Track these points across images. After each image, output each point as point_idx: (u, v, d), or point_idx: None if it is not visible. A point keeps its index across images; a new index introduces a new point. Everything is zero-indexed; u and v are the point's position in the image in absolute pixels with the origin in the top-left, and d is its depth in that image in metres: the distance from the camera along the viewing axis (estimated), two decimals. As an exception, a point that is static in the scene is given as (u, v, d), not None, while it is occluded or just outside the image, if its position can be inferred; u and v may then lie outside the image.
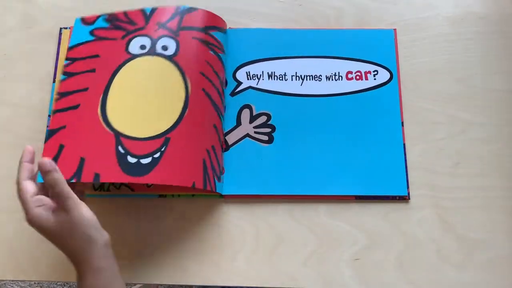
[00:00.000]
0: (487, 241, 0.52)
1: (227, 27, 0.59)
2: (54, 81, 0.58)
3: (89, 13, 0.62)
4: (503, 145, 0.55)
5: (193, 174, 0.49)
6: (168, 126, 0.50)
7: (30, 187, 0.45)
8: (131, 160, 0.48)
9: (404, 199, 0.54)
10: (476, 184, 0.54)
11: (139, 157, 0.48)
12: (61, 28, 0.61)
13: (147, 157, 0.48)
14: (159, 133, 0.49)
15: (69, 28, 0.60)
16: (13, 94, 0.59)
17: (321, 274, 0.51)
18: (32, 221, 0.43)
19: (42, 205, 0.44)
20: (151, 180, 0.48)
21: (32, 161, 0.47)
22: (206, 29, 0.55)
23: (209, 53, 0.54)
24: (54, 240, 0.45)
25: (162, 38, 0.53)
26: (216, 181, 0.52)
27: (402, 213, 0.53)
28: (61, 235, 0.44)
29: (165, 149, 0.49)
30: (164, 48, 0.53)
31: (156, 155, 0.48)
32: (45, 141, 0.50)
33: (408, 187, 0.54)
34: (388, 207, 0.54)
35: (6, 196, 0.55)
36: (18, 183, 0.46)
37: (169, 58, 0.52)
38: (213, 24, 0.55)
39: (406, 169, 0.54)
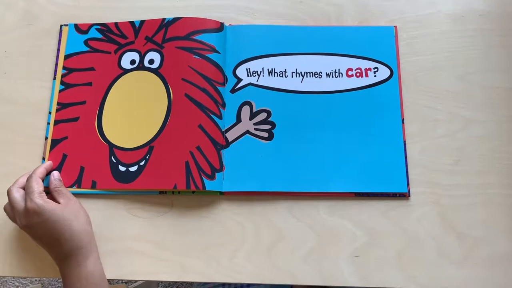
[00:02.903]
0: (487, 238, 0.52)
1: (228, 24, 0.59)
2: (54, 78, 0.59)
3: (89, 10, 0.62)
4: (504, 143, 0.55)
5: (174, 176, 0.53)
6: (152, 136, 0.55)
7: (38, 184, 0.50)
8: (122, 168, 0.54)
9: (404, 196, 0.54)
10: (476, 182, 0.54)
11: (127, 165, 0.54)
12: (61, 25, 0.61)
13: (134, 165, 0.54)
14: (144, 142, 0.55)
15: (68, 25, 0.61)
16: (13, 91, 0.59)
17: (321, 271, 0.51)
18: (37, 206, 0.47)
19: (45, 197, 0.49)
20: (137, 186, 0.53)
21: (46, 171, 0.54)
22: (189, 35, 0.57)
23: (192, 58, 0.56)
24: (57, 224, 0.48)
25: (149, 52, 0.58)
26: (206, 179, 0.52)
27: (402, 210, 0.53)
28: (68, 217, 0.49)
29: (149, 156, 0.54)
30: (151, 62, 0.57)
31: (142, 163, 0.54)
32: (50, 150, 0.56)
33: (408, 184, 0.54)
34: (388, 204, 0.54)
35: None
36: (30, 177, 0.51)
37: (155, 71, 0.57)
38: (198, 28, 0.57)
39: (406, 166, 0.54)
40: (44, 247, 0.50)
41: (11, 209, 0.50)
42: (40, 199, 0.48)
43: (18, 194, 0.49)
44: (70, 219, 0.49)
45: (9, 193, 0.50)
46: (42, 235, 0.49)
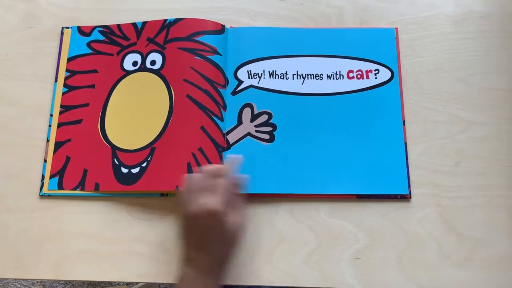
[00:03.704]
0: (488, 240, 0.52)
1: (229, 27, 0.59)
2: (56, 81, 0.59)
3: (89, 12, 0.62)
4: (504, 144, 0.55)
5: (176, 178, 0.52)
6: (154, 137, 0.55)
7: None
8: (124, 170, 0.54)
9: (405, 198, 0.54)
10: (477, 183, 0.54)
11: (130, 167, 0.54)
12: (62, 28, 0.61)
13: (136, 167, 0.54)
14: (146, 144, 0.55)
15: (70, 28, 0.61)
16: (15, 93, 0.59)
17: (322, 273, 0.51)
18: (234, 221, 0.45)
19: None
20: (138, 187, 0.53)
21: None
22: (191, 36, 0.57)
23: (194, 59, 0.56)
24: (226, 235, 0.45)
25: (151, 54, 0.58)
26: None
27: (403, 212, 0.53)
28: (234, 241, 0.47)
29: (151, 158, 0.54)
30: (153, 63, 0.57)
31: (144, 165, 0.54)
32: (54, 152, 0.56)
33: (409, 186, 0.54)
34: (389, 206, 0.54)
35: (9, 195, 0.55)
36: (225, 172, 0.47)
37: (157, 72, 0.57)
38: (200, 30, 0.57)
39: (407, 168, 0.54)
40: (186, 245, 0.47)
41: (200, 197, 0.44)
42: (240, 216, 0.46)
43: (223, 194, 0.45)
44: (234, 244, 0.47)
45: (217, 186, 0.45)
46: (203, 238, 0.45)
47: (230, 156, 0.53)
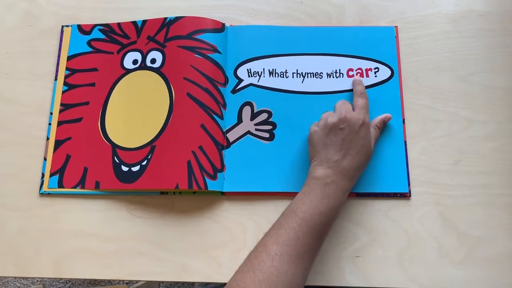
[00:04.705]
0: (488, 239, 0.52)
1: (228, 25, 0.59)
2: (55, 79, 0.59)
3: (90, 11, 0.62)
4: (504, 143, 0.55)
5: (176, 176, 0.52)
6: (154, 135, 0.55)
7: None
8: (124, 168, 0.54)
9: (405, 196, 0.54)
10: (477, 182, 0.54)
11: (130, 165, 0.54)
12: (62, 26, 0.61)
13: (137, 165, 0.54)
14: (146, 142, 0.55)
15: (70, 26, 0.61)
16: (15, 92, 0.59)
17: (322, 271, 0.51)
18: (366, 123, 0.50)
19: None
20: (139, 186, 0.53)
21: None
22: (191, 34, 0.57)
23: (194, 57, 0.56)
24: (365, 146, 0.50)
25: (151, 52, 0.58)
26: (208, 179, 0.52)
27: (403, 210, 0.53)
28: (371, 148, 0.51)
29: (151, 156, 0.54)
30: (153, 61, 0.57)
31: (144, 163, 0.54)
32: (54, 151, 0.56)
33: (409, 185, 0.54)
34: (389, 204, 0.54)
35: (9, 194, 0.55)
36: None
37: (157, 70, 0.57)
38: (200, 28, 0.57)
39: (407, 167, 0.54)
40: (325, 149, 0.49)
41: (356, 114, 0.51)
42: (377, 134, 0.54)
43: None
44: (368, 157, 0.50)
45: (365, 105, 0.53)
46: (347, 143, 0.49)
47: (357, 79, 0.57)
